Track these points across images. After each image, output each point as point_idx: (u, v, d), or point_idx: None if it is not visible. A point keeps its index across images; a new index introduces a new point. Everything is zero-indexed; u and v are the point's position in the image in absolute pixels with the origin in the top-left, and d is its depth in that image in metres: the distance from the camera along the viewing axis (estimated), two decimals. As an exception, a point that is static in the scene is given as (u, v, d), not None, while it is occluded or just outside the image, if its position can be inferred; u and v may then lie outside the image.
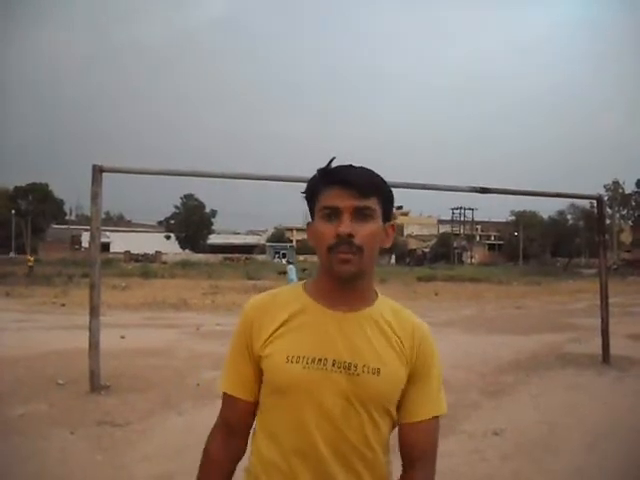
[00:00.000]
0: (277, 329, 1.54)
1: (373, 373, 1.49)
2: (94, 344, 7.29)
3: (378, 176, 1.55)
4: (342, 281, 1.52)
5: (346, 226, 1.45)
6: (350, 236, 1.45)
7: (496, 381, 8.29)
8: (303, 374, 1.49)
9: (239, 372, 1.61)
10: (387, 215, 1.56)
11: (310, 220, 1.60)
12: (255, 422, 1.63)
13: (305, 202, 1.62)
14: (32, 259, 41.64)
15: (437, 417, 1.61)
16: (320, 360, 1.49)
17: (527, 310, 20.04)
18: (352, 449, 1.50)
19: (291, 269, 27.86)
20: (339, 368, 1.49)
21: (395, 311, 1.62)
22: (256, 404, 1.62)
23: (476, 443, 5.60)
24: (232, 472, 1.67)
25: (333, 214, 1.48)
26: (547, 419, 6.45)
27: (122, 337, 11.31)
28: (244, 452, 1.67)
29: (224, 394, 1.65)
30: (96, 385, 7.21)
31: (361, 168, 1.54)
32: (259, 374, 1.59)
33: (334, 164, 1.56)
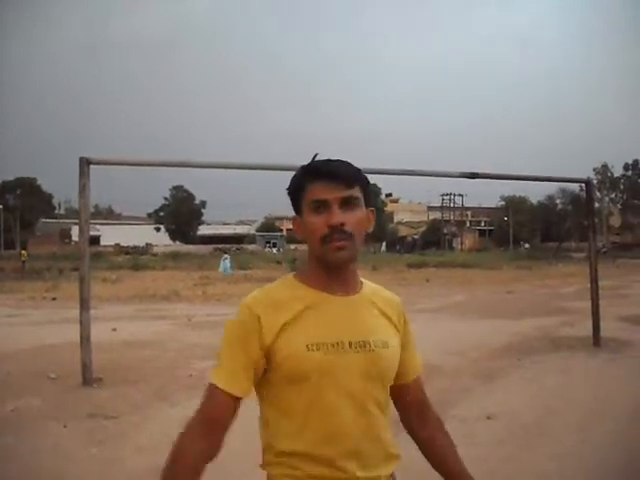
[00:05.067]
0: (289, 322, 1.59)
1: (383, 347, 1.62)
2: (85, 337, 7.26)
3: (355, 167, 1.65)
4: (338, 268, 1.61)
5: (337, 216, 1.55)
6: (342, 225, 1.55)
7: (488, 366, 8.33)
8: (325, 359, 1.56)
9: (237, 368, 1.60)
10: (367, 201, 1.67)
11: (294, 214, 1.68)
12: (262, 417, 1.66)
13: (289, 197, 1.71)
14: (25, 253, 41.12)
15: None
16: (338, 344, 1.58)
17: (518, 295, 20.15)
18: (374, 420, 1.61)
19: (226, 258, 30.24)
20: (356, 348, 1.59)
21: (379, 291, 1.76)
22: (240, 402, 1.62)
23: (469, 427, 5.62)
24: (202, 472, 1.61)
25: (322, 206, 1.57)
26: (539, 402, 6.49)
27: (114, 330, 11.29)
28: (219, 451, 1.63)
29: (213, 389, 1.61)
30: (88, 378, 7.19)
31: (340, 161, 1.64)
32: (257, 372, 1.60)
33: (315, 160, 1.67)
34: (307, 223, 1.61)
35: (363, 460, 1.58)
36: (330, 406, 1.57)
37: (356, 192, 1.61)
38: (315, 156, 1.67)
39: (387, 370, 1.65)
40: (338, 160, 1.64)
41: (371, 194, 1.71)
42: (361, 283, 1.72)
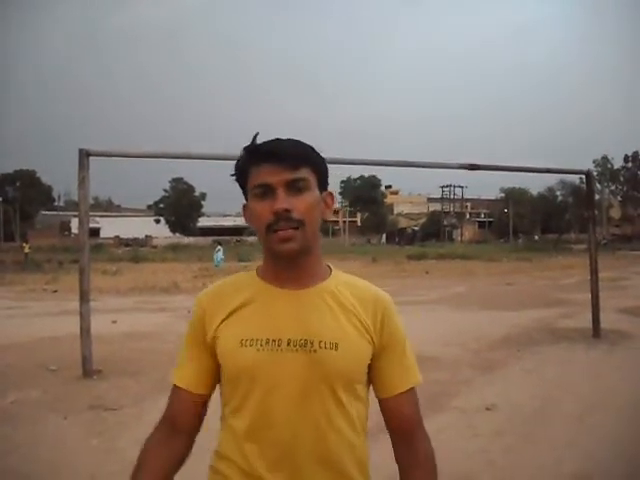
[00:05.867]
0: (229, 315, 1.49)
1: (331, 348, 1.42)
2: (85, 329, 7.27)
3: (307, 145, 1.48)
4: (286, 260, 1.45)
5: (282, 201, 1.39)
6: (287, 211, 1.39)
7: (488, 357, 8.34)
8: (258, 357, 1.42)
9: (192, 364, 1.55)
10: (323, 184, 1.50)
11: (245, 202, 1.53)
12: (221, 418, 1.55)
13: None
14: (28, 246, 40.24)
15: (414, 387, 1.56)
16: (274, 341, 1.43)
17: (518, 286, 20.14)
18: (314, 431, 1.43)
19: (219, 250, 29.89)
20: (295, 347, 1.43)
21: (352, 284, 1.54)
22: (206, 400, 1.57)
23: (469, 418, 5.63)
24: (170, 477, 1.53)
25: (266, 191, 1.41)
26: (539, 393, 6.49)
27: (114, 322, 11.29)
28: (186, 456, 1.57)
29: (173, 388, 1.58)
30: (88, 370, 7.20)
31: (288, 140, 1.46)
32: (214, 366, 1.53)
33: (259, 140, 1.48)
34: (252, 210, 1.46)
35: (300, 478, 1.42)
36: (261, 410, 1.44)
37: (305, 174, 1.43)
38: (256, 135, 1.48)
39: (337, 376, 1.43)
40: (287, 139, 1.47)
41: (327, 175, 1.53)
42: (329, 274, 1.54)
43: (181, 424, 1.56)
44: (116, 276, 25.10)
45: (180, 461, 1.55)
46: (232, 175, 1.53)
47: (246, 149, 1.47)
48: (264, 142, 1.46)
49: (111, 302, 15.30)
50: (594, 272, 9.86)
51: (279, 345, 1.43)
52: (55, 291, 19.04)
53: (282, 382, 1.42)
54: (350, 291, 1.51)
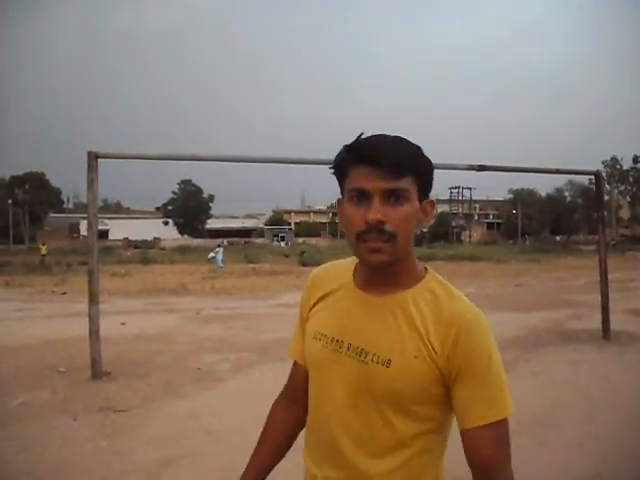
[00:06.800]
0: (317, 302, 1.53)
1: (382, 364, 1.34)
2: (94, 331, 7.29)
3: (414, 149, 1.36)
4: (374, 269, 1.39)
5: (376, 211, 1.29)
6: (381, 222, 1.29)
7: (497, 358, 8.29)
8: (321, 352, 1.44)
9: (300, 338, 1.60)
10: (425, 193, 1.39)
11: (340, 197, 1.43)
12: None
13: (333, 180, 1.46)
14: (45, 247, 39.88)
15: (500, 421, 1.41)
16: (338, 341, 1.42)
17: (527, 287, 20.08)
18: (355, 442, 1.40)
19: (218, 251, 30.38)
20: (352, 353, 1.39)
21: (436, 296, 1.39)
22: None
23: (478, 420, 5.61)
24: (289, 438, 1.66)
25: (362, 197, 1.32)
26: (548, 395, 6.47)
27: (123, 324, 11.33)
28: (304, 423, 1.59)
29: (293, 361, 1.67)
30: (97, 371, 7.22)
31: (394, 141, 1.34)
32: None
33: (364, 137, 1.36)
34: (345, 214, 1.36)
35: None
36: (316, 406, 1.49)
37: (405, 184, 1.32)
38: (360, 135, 1.36)
39: (384, 393, 1.35)
40: (393, 138, 1.34)
41: (431, 183, 1.40)
42: (416, 282, 1.42)
43: (297, 394, 1.63)
44: (125, 278, 25.16)
45: (298, 426, 1.65)
46: (330, 168, 1.43)
47: (346, 147, 1.36)
48: (368, 139, 1.35)
49: (120, 304, 15.34)
50: (604, 273, 9.81)
51: (340, 347, 1.42)
52: (64, 293, 19.10)
53: (335, 384, 1.42)
54: (429, 305, 1.38)
